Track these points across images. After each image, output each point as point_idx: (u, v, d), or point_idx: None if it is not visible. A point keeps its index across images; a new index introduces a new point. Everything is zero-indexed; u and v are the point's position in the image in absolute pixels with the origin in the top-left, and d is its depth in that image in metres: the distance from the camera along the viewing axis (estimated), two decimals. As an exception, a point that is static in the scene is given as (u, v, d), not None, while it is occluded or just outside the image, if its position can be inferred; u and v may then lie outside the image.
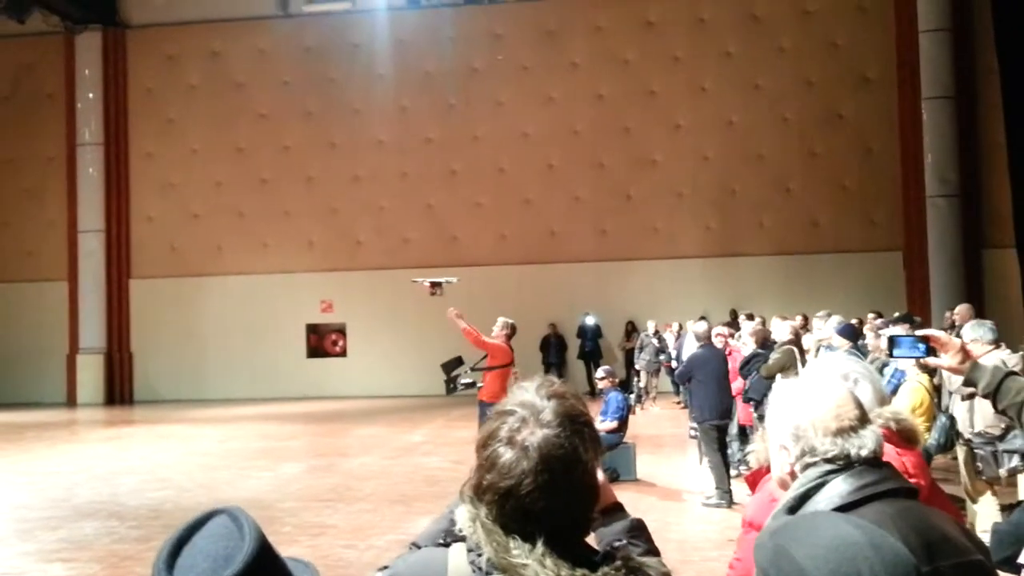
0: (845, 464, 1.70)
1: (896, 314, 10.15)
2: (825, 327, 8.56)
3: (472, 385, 9.66)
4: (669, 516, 8.46)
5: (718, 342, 10.98)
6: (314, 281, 21.57)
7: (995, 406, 2.69)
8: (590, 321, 20.63)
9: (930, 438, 6.26)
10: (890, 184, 19.66)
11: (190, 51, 22.12)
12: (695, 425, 10.55)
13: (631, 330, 20.31)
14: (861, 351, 8.18)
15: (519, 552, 1.41)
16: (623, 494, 8.01)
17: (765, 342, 8.95)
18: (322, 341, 22.20)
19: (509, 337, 9.58)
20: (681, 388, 11.24)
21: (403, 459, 12.03)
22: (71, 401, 21.57)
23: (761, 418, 8.23)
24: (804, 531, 1.44)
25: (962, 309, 9.85)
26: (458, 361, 9.87)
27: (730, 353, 10.60)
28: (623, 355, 20.53)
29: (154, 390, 21.79)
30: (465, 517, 1.47)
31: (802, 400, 1.80)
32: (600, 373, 10.93)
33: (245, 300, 21.65)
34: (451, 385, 9.69)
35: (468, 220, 21.19)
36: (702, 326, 9.84)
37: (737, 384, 10.06)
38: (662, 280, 20.26)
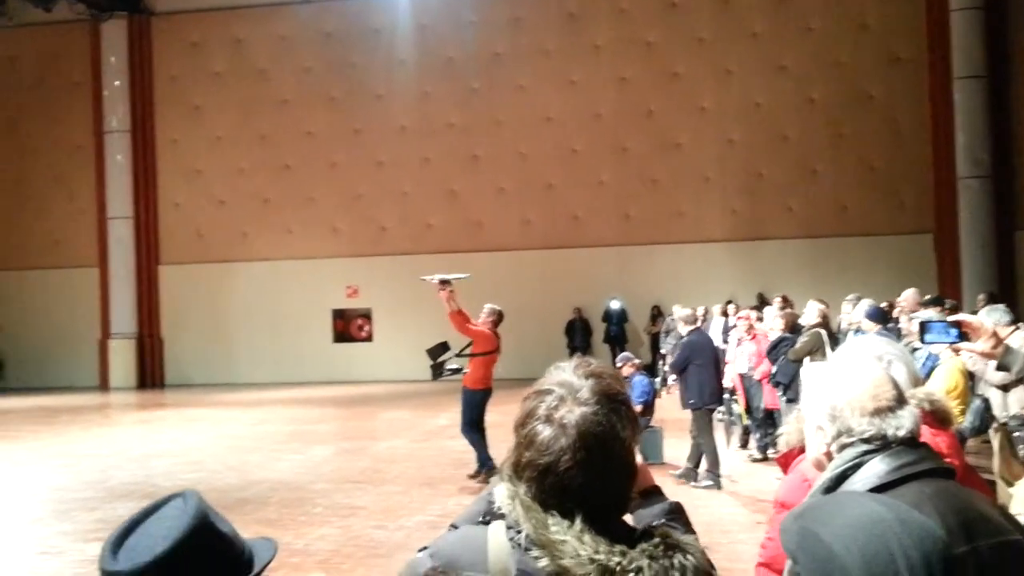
0: (882, 444, 1.69)
1: (927, 296, 10.03)
2: (855, 311, 8.49)
3: (458, 371, 9.61)
4: (697, 499, 8.47)
5: (742, 325, 10.95)
6: (339, 267, 21.69)
7: None
8: (615, 305, 20.60)
9: (964, 421, 6.22)
10: (920, 166, 19.42)
11: (214, 38, 22.23)
12: (720, 408, 10.53)
13: (656, 314, 20.25)
14: (893, 334, 8.12)
15: (557, 528, 1.43)
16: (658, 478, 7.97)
17: (794, 326, 8.90)
18: (348, 326, 22.33)
19: (495, 324, 9.50)
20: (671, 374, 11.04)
21: (430, 442, 12.12)
22: (103, 385, 21.88)
23: (789, 402, 8.21)
24: (830, 511, 1.44)
25: (908, 295, 9.67)
26: (444, 347, 9.81)
27: (754, 337, 10.56)
28: (649, 339, 20.50)
29: (184, 374, 22.06)
30: (504, 495, 1.49)
31: (839, 381, 1.79)
32: (618, 362, 10.82)
33: (271, 286, 21.82)
34: (437, 371, 9.66)
35: (491, 205, 21.20)
36: (687, 311, 9.73)
37: (763, 368, 10.04)
38: (688, 264, 20.18)
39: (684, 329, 9.49)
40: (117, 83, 22.09)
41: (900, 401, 1.76)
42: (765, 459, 9.93)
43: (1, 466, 11.34)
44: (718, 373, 9.23)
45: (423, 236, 21.34)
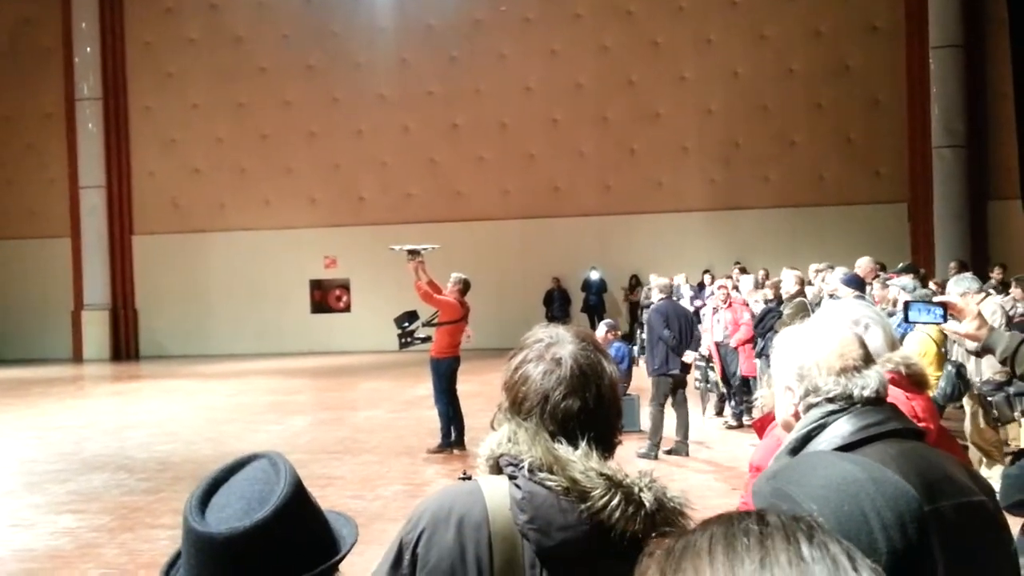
0: (848, 404, 1.69)
1: (900, 264, 10.08)
2: (831, 278, 8.52)
3: (427, 340, 9.63)
4: (672, 466, 8.52)
5: (719, 294, 10.98)
6: (317, 237, 21.53)
7: (1013, 371, 2.72)
8: (595, 276, 20.62)
9: (938, 388, 6.28)
10: (896, 135, 19.49)
11: (188, 4, 21.83)
12: (697, 376, 10.55)
13: (635, 284, 20.29)
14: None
15: (564, 451, 1.49)
16: (628, 444, 8.00)
17: (779, 296, 8.91)
18: (326, 297, 22.23)
19: (462, 292, 9.49)
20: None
21: (408, 412, 12.11)
22: (77, 357, 21.69)
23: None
24: (802, 472, 1.43)
25: (863, 263, 9.78)
26: (412, 315, 9.80)
27: (730, 305, 10.59)
28: (627, 308, 20.56)
29: (159, 346, 21.89)
30: (502, 435, 1.55)
31: (807, 341, 1.80)
32: (601, 328, 10.89)
33: (248, 256, 21.64)
34: (404, 339, 9.66)
35: (471, 175, 21.08)
36: (664, 280, 9.86)
37: (739, 335, 10.09)
38: (666, 234, 20.19)
39: (657, 296, 9.58)
40: (88, 49, 21.67)
41: (867, 361, 1.77)
42: (740, 426, 10.00)
43: (-26, 438, 11.22)
44: (684, 341, 9.23)
45: (402, 206, 21.20)
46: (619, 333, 10.96)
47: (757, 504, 1.48)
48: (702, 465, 8.71)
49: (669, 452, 8.99)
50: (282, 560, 1.28)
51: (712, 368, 10.95)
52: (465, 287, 9.56)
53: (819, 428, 1.68)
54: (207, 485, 1.35)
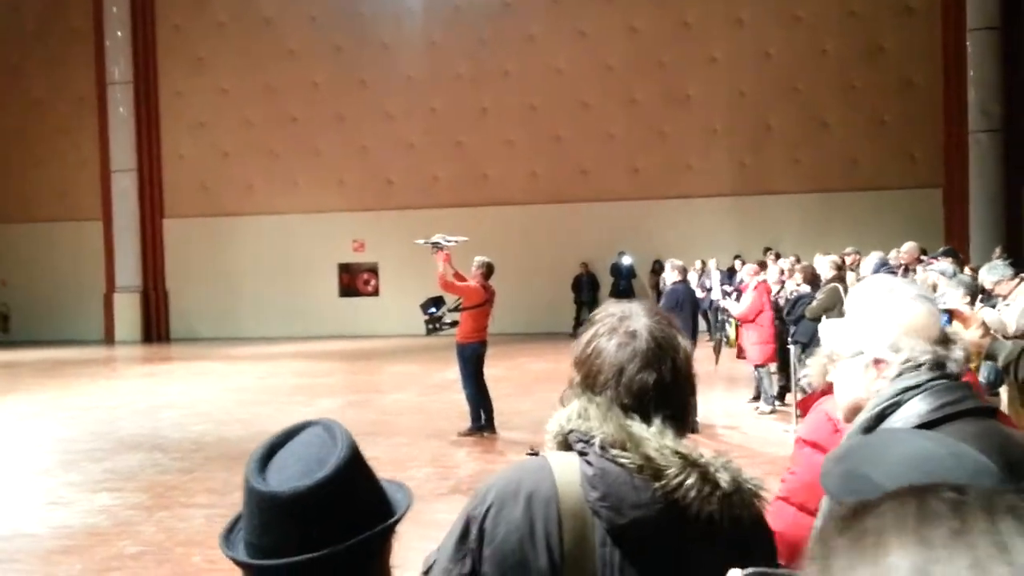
0: (940, 375, 1.65)
1: (941, 248, 9.94)
2: (864, 265, 8.40)
3: (454, 324, 9.59)
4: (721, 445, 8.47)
5: (747, 270, 10.94)
6: (345, 220, 21.59)
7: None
8: (626, 261, 20.53)
9: (980, 375, 6.18)
10: (931, 119, 19.18)
11: (217, -13, 21.90)
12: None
13: (659, 268, 20.16)
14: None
15: (638, 427, 1.45)
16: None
17: (814, 280, 8.81)
18: (354, 280, 22.30)
19: (486, 276, 9.41)
20: None
21: (437, 395, 12.13)
22: (109, 339, 21.94)
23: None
24: (875, 450, 1.38)
25: (909, 247, 9.63)
26: (438, 301, 9.76)
27: (757, 287, 10.52)
28: (654, 293, 20.43)
29: (190, 328, 22.09)
30: (572, 411, 1.51)
31: (900, 310, 1.74)
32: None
33: (277, 239, 21.74)
34: (431, 325, 9.64)
35: (499, 158, 21.01)
36: (679, 262, 10.00)
37: (766, 320, 10.00)
38: (696, 218, 20.04)
39: (672, 278, 9.62)
40: (119, 33, 21.80)
41: (949, 336, 1.72)
42: (772, 411, 9.92)
43: (7, 418, 11.38)
44: (694, 325, 9.39)
45: (430, 189, 21.20)
46: None
47: (827, 484, 1.43)
48: (746, 447, 8.64)
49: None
50: (343, 519, 1.32)
51: (729, 322, 10.95)
52: (488, 270, 9.50)
53: (894, 406, 1.63)
54: (265, 449, 1.38)
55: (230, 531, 1.42)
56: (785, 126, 19.90)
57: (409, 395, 12.44)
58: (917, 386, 1.63)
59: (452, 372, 14.40)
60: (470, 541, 1.49)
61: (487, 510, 1.49)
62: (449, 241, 9.39)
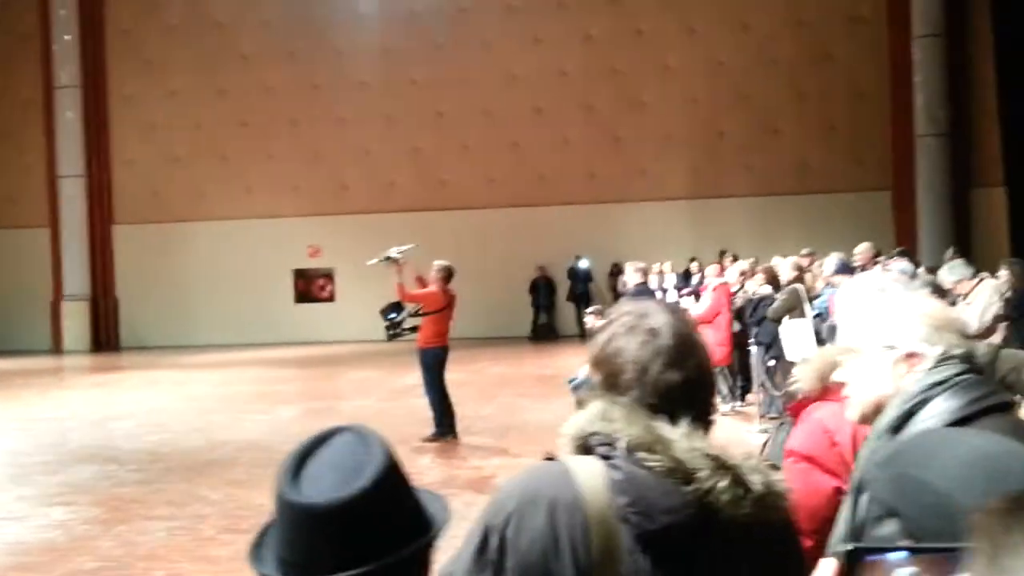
0: (971, 368, 1.63)
1: (896, 250, 10.15)
2: (825, 265, 8.53)
3: (415, 329, 9.59)
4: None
5: (711, 272, 11.04)
6: (300, 226, 21.36)
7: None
8: (583, 265, 20.63)
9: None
10: (880, 124, 19.60)
11: (168, -10, 21.56)
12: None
13: (616, 272, 20.29)
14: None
15: (666, 429, 1.40)
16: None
17: (775, 281, 8.91)
18: (310, 286, 22.08)
19: (446, 280, 9.39)
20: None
21: (399, 401, 12.05)
22: (57, 348, 21.41)
23: (775, 359, 8.22)
24: (925, 452, 1.35)
25: (863, 248, 9.87)
26: (398, 306, 9.76)
27: (716, 288, 10.62)
28: (612, 296, 20.55)
29: (141, 336, 21.66)
30: (593, 412, 1.45)
31: (925, 306, 1.72)
32: (589, 309, 11.00)
33: (230, 245, 21.45)
34: (392, 331, 9.62)
35: (456, 163, 20.98)
36: (641, 264, 10.08)
37: (724, 321, 10.09)
38: (651, 222, 20.21)
39: (633, 280, 9.64)
40: (67, 37, 21.32)
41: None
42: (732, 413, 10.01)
43: (-44, 430, 11.04)
44: None
45: (386, 194, 21.09)
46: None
47: (878, 492, 1.39)
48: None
49: None
50: (383, 532, 1.25)
51: None
52: (448, 274, 9.47)
53: (921, 403, 1.59)
54: (296, 458, 1.30)
55: (259, 544, 1.34)
56: (737, 132, 20.18)
57: (370, 401, 12.34)
58: (943, 381, 1.60)
59: (412, 377, 14.32)
60: (490, 552, 1.41)
61: (508, 518, 1.41)
62: (401, 252, 9.40)
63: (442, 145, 20.96)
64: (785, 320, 7.89)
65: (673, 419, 1.41)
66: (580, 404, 1.51)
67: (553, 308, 20.81)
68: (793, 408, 2.54)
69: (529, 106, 20.72)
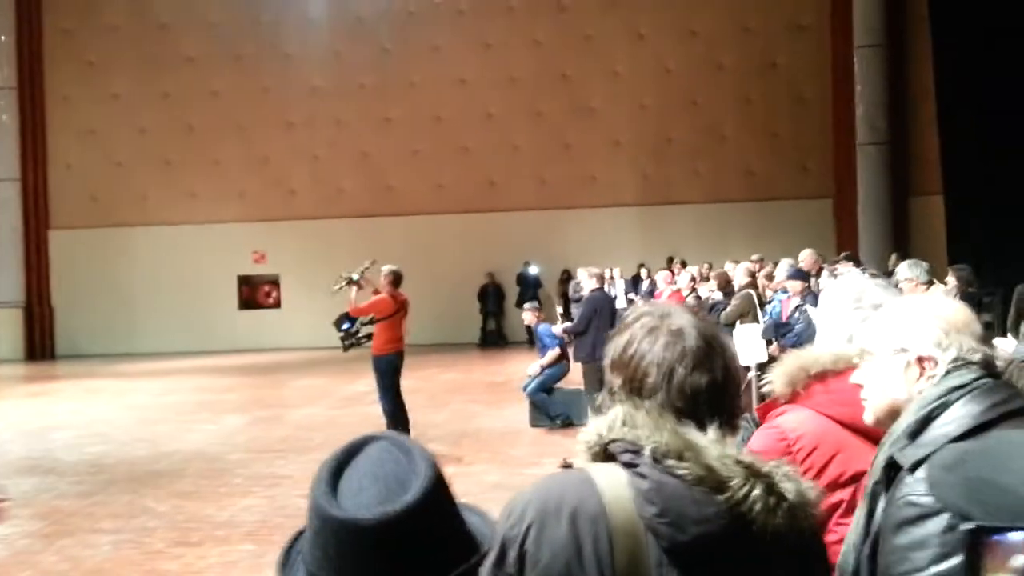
0: (989, 373, 1.60)
1: (843, 254, 10.32)
2: (779, 271, 8.62)
3: (368, 337, 9.56)
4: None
5: (661, 278, 11.13)
6: (245, 232, 21.01)
7: None
8: (532, 271, 20.63)
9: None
10: (822, 132, 19.97)
11: (109, -10, 21.03)
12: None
13: (567, 278, 20.34)
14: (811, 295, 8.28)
15: (695, 435, 1.34)
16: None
17: (727, 286, 9.00)
18: (255, 293, 21.72)
19: (395, 284, 9.35)
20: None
21: (349, 409, 11.89)
22: (-11, 357, 20.69)
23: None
24: (998, 456, 1.32)
25: (806, 255, 10.08)
26: (350, 316, 9.73)
27: (672, 294, 10.71)
28: (561, 302, 20.59)
29: (78, 345, 21.05)
30: (614, 418, 1.39)
31: (940, 309, 1.69)
32: (527, 305, 11.05)
33: (173, 252, 20.99)
34: (347, 341, 9.58)
35: (405, 169, 20.83)
36: (596, 269, 10.07)
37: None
38: (600, 228, 20.29)
39: (589, 285, 9.66)
40: (3, 37, 20.68)
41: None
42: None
43: None
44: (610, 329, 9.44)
45: (334, 200, 20.85)
46: (542, 316, 10.86)
47: (947, 497, 1.36)
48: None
49: None
50: (430, 550, 1.15)
51: None
52: (396, 278, 9.41)
53: (941, 407, 1.56)
54: (331, 469, 1.20)
55: (286, 558, 1.24)
56: (685, 138, 20.39)
57: (319, 409, 12.15)
58: (963, 386, 1.57)
59: (362, 384, 14.17)
60: (508, 565, 1.34)
61: (527, 529, 1.34)
62: (361, 272, 9.50)
63: (391, 150, 20.79)
64: (738, 324, 7.97)
65: (700, 424, 1.36)
66: (599, 410, 1.45)
67: (502, 314, 20.77)
68: (760, 409, 2.53)
69: (478, 112, 20.68)
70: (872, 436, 1.89)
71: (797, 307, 7.42)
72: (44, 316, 21.28)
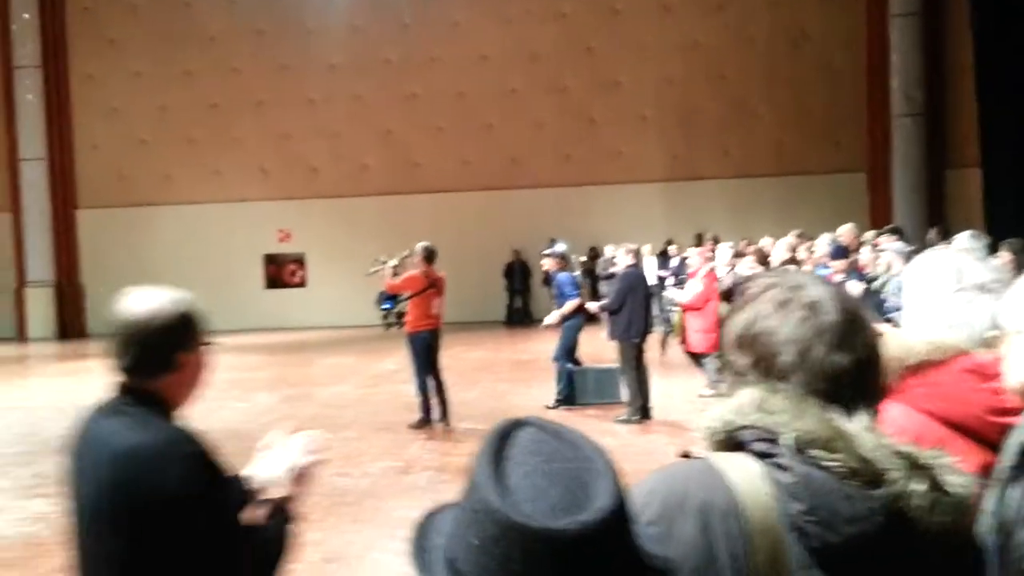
0: None
1: (887, 227, 10.09)
2: (817, 247, 8.43)
3: (403, 316, 9.64)
4: (630, 431, 8.46)
5: (696, 261, 10.89)
6: (270, 210, 20.96)
7: None
8: (559, 248, 20.39)
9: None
10: (855, 105, 19.58)
11: (130, -33, 20.93)
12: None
13: (593, 255, 20.16)
14: (856, 268, 8.08)
15: (843, 422, 1.18)
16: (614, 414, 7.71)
17: (765, 262, 8.81)
18: (280, 271, 21.70)
19: (427, 261, 9.20)
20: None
21: (379, 387, 11.83)
22: (21, 336, 20.85)
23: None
24: None
25: (848, 229, 9.84)
26: (387, 295, 9.80)
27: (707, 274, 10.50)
28: (588, 280, 20.42)
29: (108, 323, 21.04)
30: (743, 401, 1.22)
31: None
32: (545, 252, 10.95)
33: (198, 230, 20.99)
34: (388, 319, 9.64)
35: (429, 146, 20.67)
36: (633, 246, 9.88)
37: (712, 308, 9.94)
38: (626, 205, 20.08)
39: (624, 261, 9.43)
40: (26, 15, 20.65)
41: None
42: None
43: (-80, 422, 10.65)
44: (647, 308, 9.32)
45: (358, 178, 20.74)
46: (564, 264, 10.62)
47: None
48: (695, 436, 8.62)
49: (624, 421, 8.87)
50: (618, 567, 1.00)
51: (675, 310, 11.01)
52: (428, 255, 9.26)
53: None
54: (488, 463, 1.02)
55: (421, 543, 1.07)
56: (713, 112, 20.08)
57: (349, 387, 12.09)
58: None
59: (391, 363, 14.12)
60: None
61: (649, 527, 1.19)
62: (400, 259, 9.59)
63: (414, 127, 20.63)
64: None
65: (845, 409, 1.20)
66: (725, 393, 1.29)
67: (528, 292, 20.64)
68: None
69: (501, 88, 20.45)
70: (976, 434, 1.75)
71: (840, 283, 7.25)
72: (75, 295, 21.39)
